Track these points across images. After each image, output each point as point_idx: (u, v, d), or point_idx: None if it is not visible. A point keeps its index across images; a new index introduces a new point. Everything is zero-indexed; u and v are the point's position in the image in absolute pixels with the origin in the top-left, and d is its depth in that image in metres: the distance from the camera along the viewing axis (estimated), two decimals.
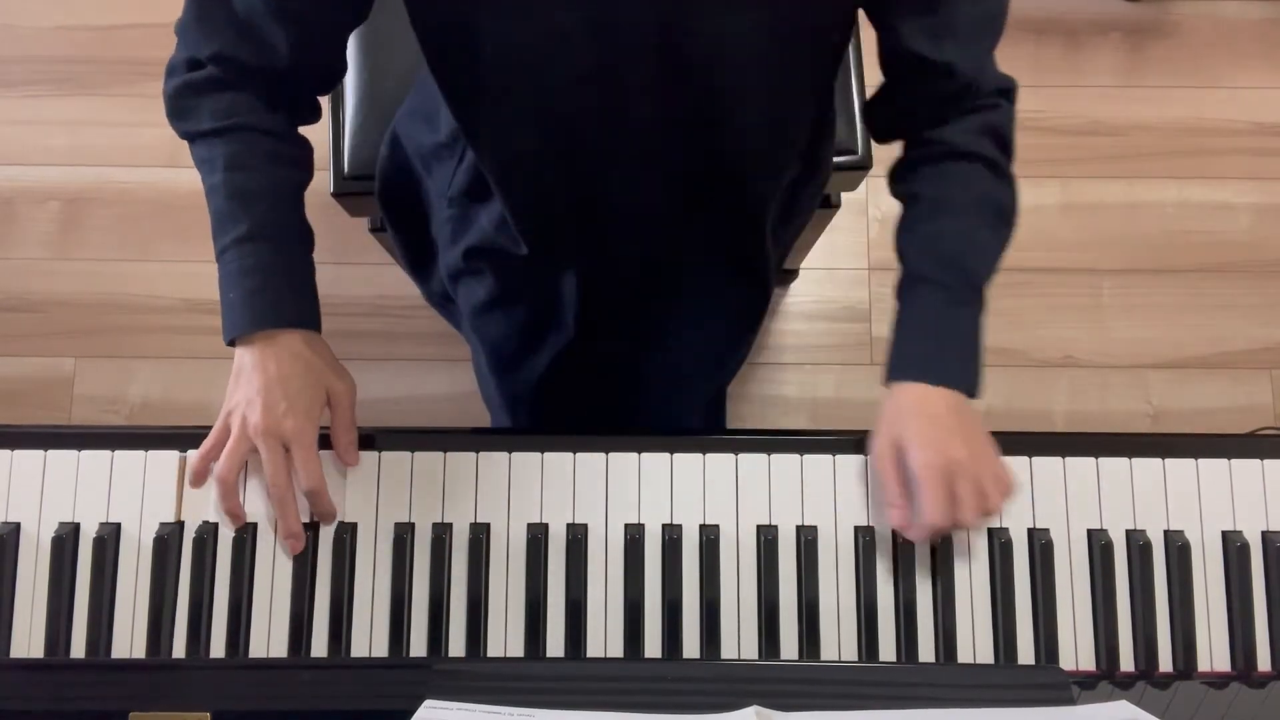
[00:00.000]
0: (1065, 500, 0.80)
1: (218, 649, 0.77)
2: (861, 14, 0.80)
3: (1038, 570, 0.78)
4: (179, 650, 0.77)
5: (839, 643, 0.77)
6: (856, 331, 1.69)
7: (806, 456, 0.80)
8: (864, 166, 1.17)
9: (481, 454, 0.80)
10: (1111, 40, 1.83)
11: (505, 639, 0.77)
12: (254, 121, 0.79)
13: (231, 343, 0.80)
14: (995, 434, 0.79)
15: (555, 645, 0.77)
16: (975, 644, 0.77)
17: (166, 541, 0.78)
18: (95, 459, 0.80)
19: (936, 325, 0.81)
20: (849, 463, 0.80)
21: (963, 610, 0.77)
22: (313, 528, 0.78)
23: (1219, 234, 1.73)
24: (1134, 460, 0.80)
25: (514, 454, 0.80)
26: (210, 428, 0.80)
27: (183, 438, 0.81)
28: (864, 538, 0.78)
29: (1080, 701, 0.67)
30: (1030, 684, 0.70)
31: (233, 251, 0.78)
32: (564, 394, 1.03)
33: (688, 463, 0.80)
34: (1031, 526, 0.79)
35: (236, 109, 0.78)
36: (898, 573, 0.78)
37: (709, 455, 0.80)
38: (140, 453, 0.80)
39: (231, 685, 0.68)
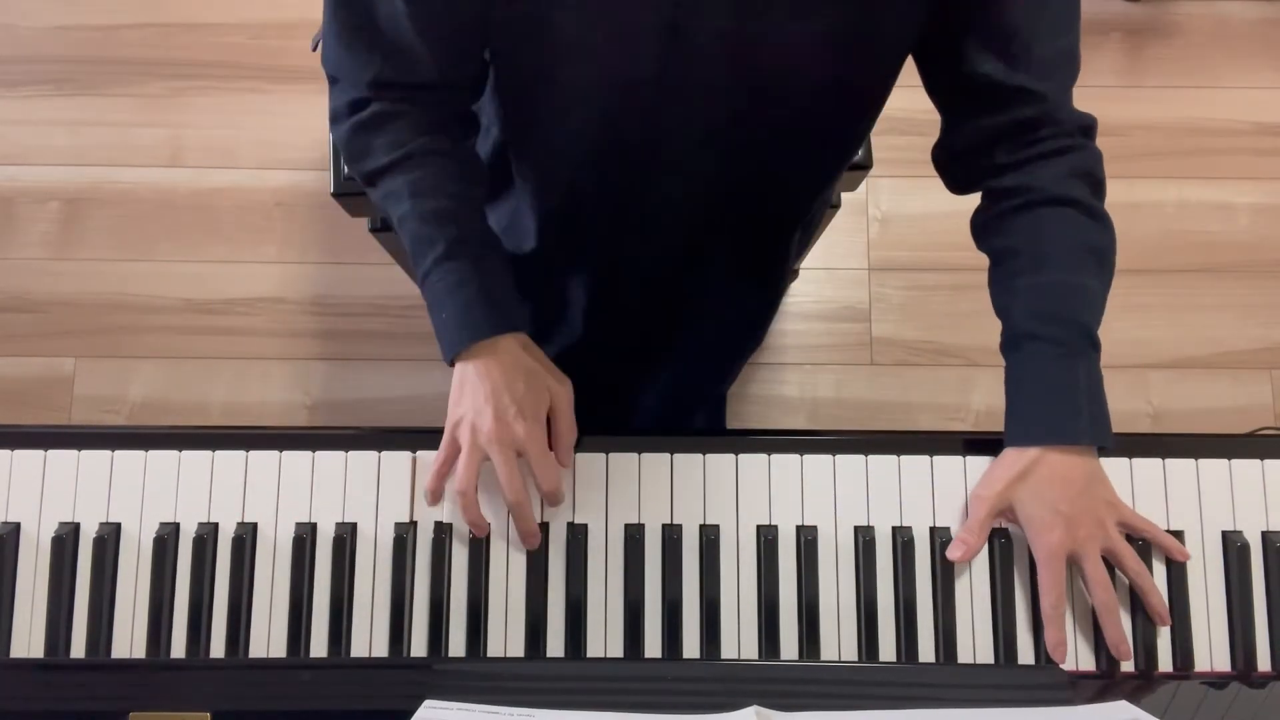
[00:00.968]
0: None
1: (217, 649, 0.77)
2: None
3: (1038, 570, 0.78)
4: (179, 650, 0.77)
5: (839, 643, 0.77)
6: (856, 331, 1.69)
7: (806, 456, 0.80)
8: (864, 166, 1.17)
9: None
10: (1111, 40, 1.83)
11: (505, 639, 0.77)
12: (425, 146, 0.80)
13: (452, 361, 0.80)
14: (995, 434, 0.80)
15: (555, 645, 0.77)
16: (975, 644, 0.77)
17: (166, 541, 0.78)
18: (95, 459, 0.80)
19: (1058, 384, 0.77)
20: (849, 463, 0.80)
21: (963, 610, 0.77)
22: (310, 528, 0.78)
23: (1219, 234, 1.73)
24: (1134, 460, 0.80)
25: None
26: (210, 428, 0.80)
27: (183, 438, 0.81)
28: (864, 538, 0.78)
29: (1080, 702, 0.67)
30: (1030, 684, 0.70)
31: (436, 272, 0.79)
32: None
33: (688, 463, 0.80)
34: None
35: (405, 139, 0.79)
36: (898, 573, 0.78)
37: (709, 455, 0.80)
38: (140, 453, 0.80)
39: (231, 685, 0.68)
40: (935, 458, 0.80)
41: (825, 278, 1.72)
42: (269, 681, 0.70)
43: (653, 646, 0.77)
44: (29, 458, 0.80)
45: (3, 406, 1.67)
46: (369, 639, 0.77)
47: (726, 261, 0.97)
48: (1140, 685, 0.74)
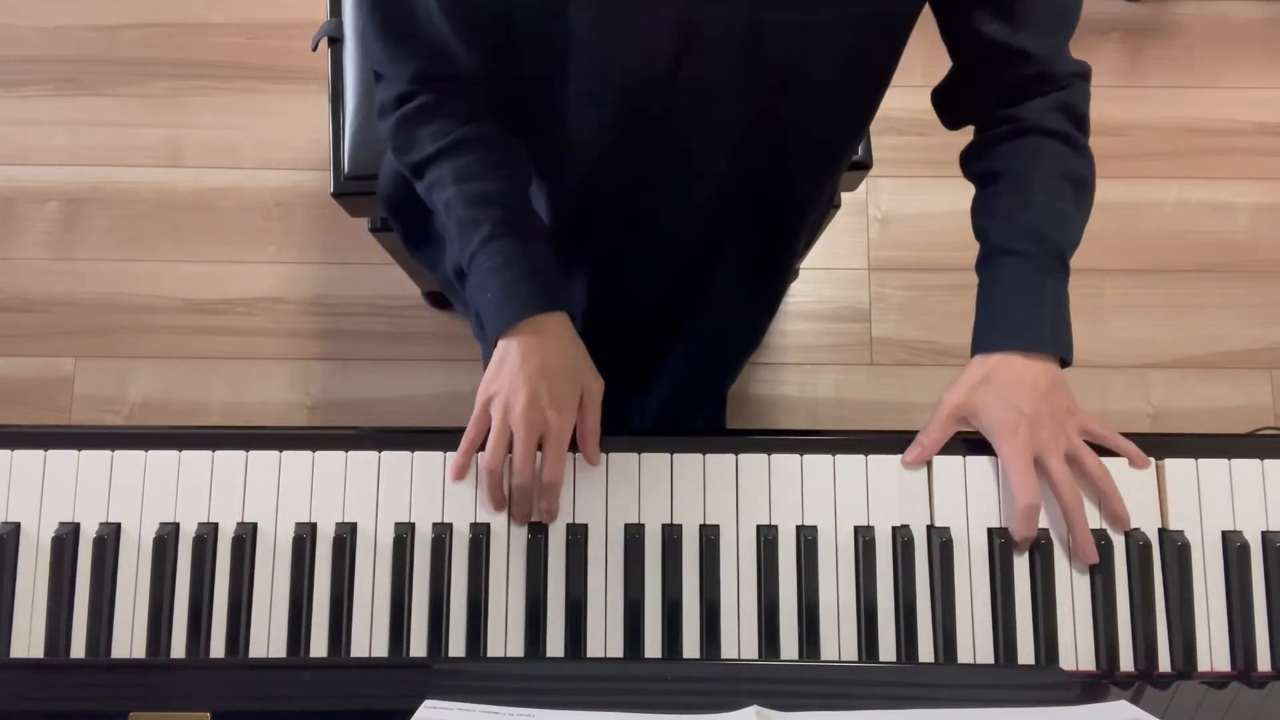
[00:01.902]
0: None
1: (217, 649, 0.77)
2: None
3: (1038, 570, 0.78)
4: (179, 650, 0.77)
5: (839, 643, 0.77)
6: (856, 331, 1.69)
7: (806, 456, 0.80)
8: (864, 166, 1.17)
9: (481, 454, 0.80)
10: (1111, 40, 1.83)
11: (505, 639, 0.77)
12: (469, 134, 0.81)
13: (494, 340, 0.81)
14: None
15: (555, 645, 0.77)
16: (975, 644, 0.77)
17: (166, 541, 0.78)
18: (95, 459, 0.80)
19: (1025, 293, 0.80)
20: (849, 463, 0.80)
21: (963, 610, 0.77)
22: (310, 528, 0.78)
23: (1219, 234, 1.73)
24: None
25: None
26: (210, 428, 0.80)
27: (183, 438, 0.81)
28: (864, 538, 0.78)
29: (1080, 702, 0.67)
30: (1030, 684, 0.70)
31: (482, 253, 0.80)
32: None
33: (688, 463, 0.80)
34: None
35: (450, 128, 0.80)
36: (898, 573, 0.78)
37: (709, 455, 0.80)
38: (140, 453, 0.80)
39: (231, 685, 0.68)
40: (935, 458, 0.80)
41: (825, 278, 1.72)
42: (269, 681, 0.70)
43: (653, 646, 0.77)
44: (29, 458, 0.80)
45: (3, 406, 1.67)
46: (369, 639, 0.77)
47: (732, 261, 0.97)
48: (1140, 685, 0.74)
